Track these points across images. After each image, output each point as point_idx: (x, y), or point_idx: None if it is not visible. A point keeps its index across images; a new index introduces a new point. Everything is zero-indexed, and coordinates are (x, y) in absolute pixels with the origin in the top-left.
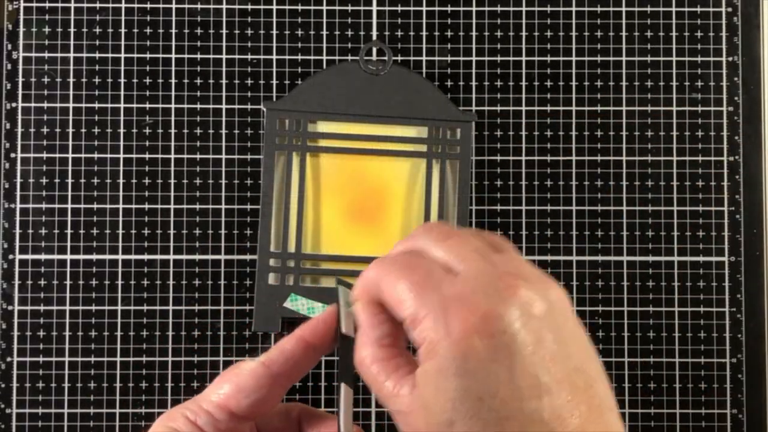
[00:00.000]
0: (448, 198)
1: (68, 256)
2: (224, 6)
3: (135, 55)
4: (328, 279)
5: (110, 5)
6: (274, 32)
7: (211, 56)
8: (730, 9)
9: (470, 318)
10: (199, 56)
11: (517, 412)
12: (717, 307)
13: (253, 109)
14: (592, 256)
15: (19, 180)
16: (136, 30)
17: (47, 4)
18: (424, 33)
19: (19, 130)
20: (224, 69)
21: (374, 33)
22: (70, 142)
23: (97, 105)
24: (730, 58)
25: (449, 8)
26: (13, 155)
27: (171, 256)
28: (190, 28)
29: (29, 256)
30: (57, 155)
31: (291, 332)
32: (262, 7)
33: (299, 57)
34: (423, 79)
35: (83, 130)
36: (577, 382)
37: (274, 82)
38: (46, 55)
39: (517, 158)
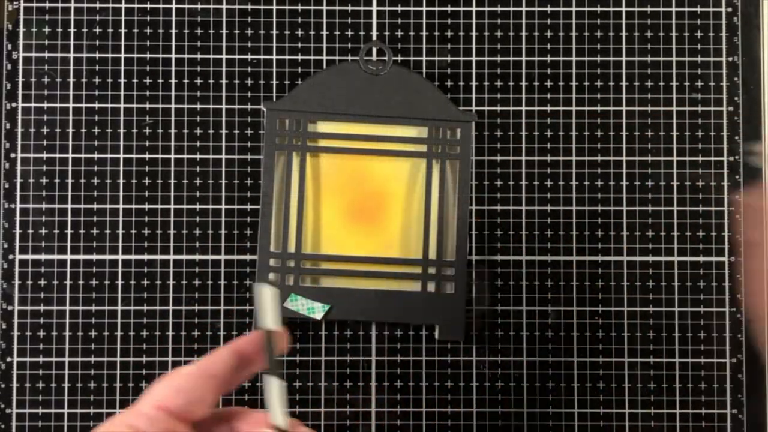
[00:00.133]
0: (448, 198)
1: (68, 256)
2: (224, 6)
3: (135, 55)
4: (328, 279)
5: (110, 5)
6: (274, 32)
7: (211, 56)
8: (730, 9)
9: None
10: (199, 56)
11: None
12: (717, 307)
13: (253, 109)
14: (592, 256)
15: (19, 180)
16: (136, 30)
17: (47, 4)
18: (424, 33)
19: (19, 130)
20: (224, 69)
21: (374, 33)
22: (70, 142)
23: (97, 105)
24: (730, 58)
25: (449, 8)
26: (13, 155)
27: (171, 256)
28: (190, 28)
29: (29, 256)
30: (57, 155)
31: (290, 332)
32: (262, 7)
33: (299, 57)
34: (423, 79)
35: (83, 130)
36: None
37: (274, 82)
38: (46, 55)
39: (517, 158)
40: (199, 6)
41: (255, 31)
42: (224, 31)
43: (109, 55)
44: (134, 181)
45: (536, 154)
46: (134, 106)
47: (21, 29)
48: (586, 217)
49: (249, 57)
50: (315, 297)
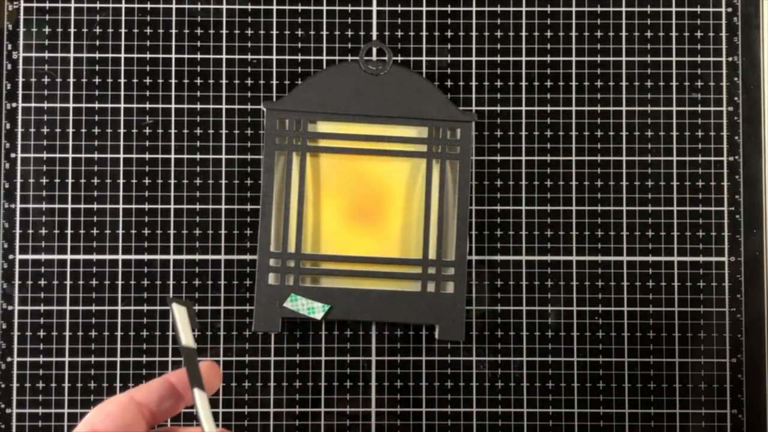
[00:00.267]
0: (448, 198)
1: (68, 256)
2: (224, 6)
3: (135, 55)
4: (328, 279)
5: (110, 5)
6: (274, 32)
7: (211, 56)
8: (730, 9)
9: None
10: (199, 56)
11: None
12: (717, 307)
13: (253, 109)
14: (592, 256)
15: (19, 180)
16: (136, 30)
17: (47, 4)
18: (424, 33)
19: (19, 130)
20: (224, 69)
21: (374, 33)
22: (70, 142)
23: (97, 105)
24: (730, 58)
25: (449, 8)
26: (13, 155)
27: (171, 256)
28: (190, 28)
29: (29, 256)
30: (57, 155)
31: (290, 332)
32: (262, 7)
33: (299, 57)
34: (423, 79)
35: (83, 130)
36: None
37: (274, 82)
38: (46, 55)
39: (517, 158)
40: (199, 6)
41: (255, 31)
42: (224, 31)
43: (109, 55)
44: (134, 181)
45: (536, 154)
46: (134, 106)
47: (21, 29)
48: (586, 217)
49: (249, 57)
50: (315, 297)
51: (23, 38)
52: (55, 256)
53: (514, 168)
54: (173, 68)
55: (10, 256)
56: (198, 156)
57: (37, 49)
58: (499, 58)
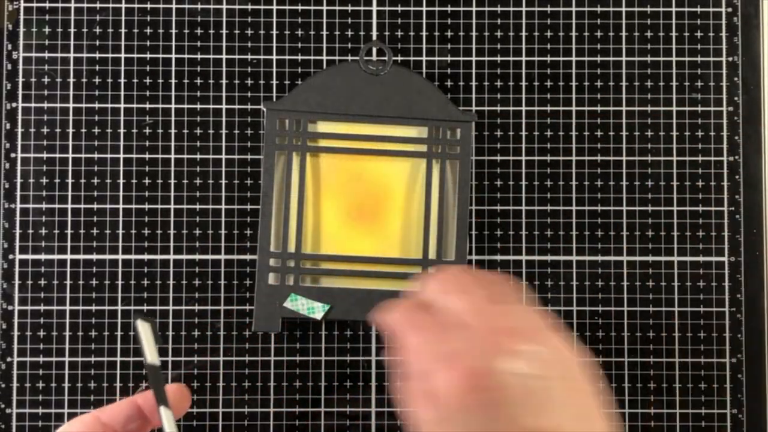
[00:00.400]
0: (448, 198)
1: (68, 256)
2: (224, 6)
3: (135, 55)
4: (328, 279)
5: (110, 5)
6: (274, 32)
7: (211, 56)
8: (730, 9)
9: (462, 376)
10: (199, 56)
11: None
12: (717, 307)
13: (253, 109)
14: (592, 256)
15: (19, 180)
16: (136, 30)
17: (47, 4)
18: (424, 33)
19: (19, 130)
20: (224, 69)
21: (374, 33)
22: (70, 142)
23: (97, 105)
24: (730, 58)
25: (449, 8)
26: (13, 155)
27: (171, 256)
28: (190, 28)
29: (29, 256)
30: (57, 155)
31: (290, 332)
32: (262, 7)
33: (299, 57)
34: (423, 79)
35: (83, 130)
36: (574, 429)
37: (274, 82)
38: (46, 55)
39: (517, 158)
40: (199, 6)
41: (255, 31)
42: (224, 31)
43: (109, 55)
44: (134, 181)
45: (536, 154)
46: (134, 106)
47: (21, 29)
48: (586, 217)
49: (249, 57)
50: (315, 297)
51: (23, 38)
52: (55, 256)
53: (514, 168)
54: (173, 68)
55: (10, 256)
56: (198, 156)
57: (37, 49)
58: (499, 58)
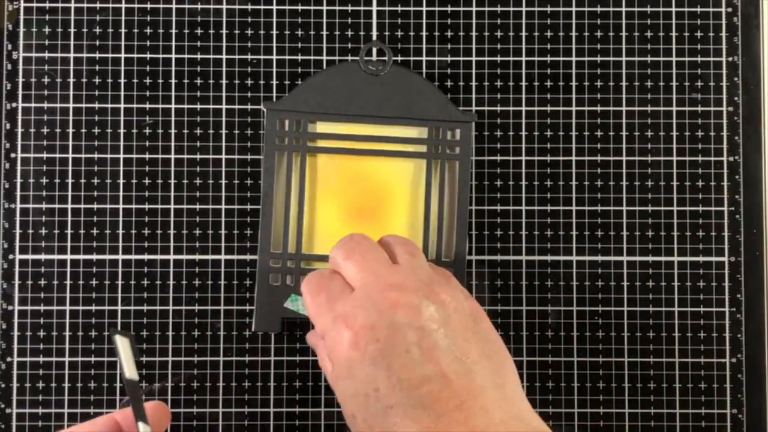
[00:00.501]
0: (448, 198)
1: (68, 256)
2: (224, 6)
3: (135, 55)
4: None
5: (110, 5)
6: (274, 32)
7: (211, 56)
8: (730, 9)
9: (350, 332)
10: (199, 56)
11: (400, 401)
12: (717, 307)
13: (253, 109)
14: (592, 256)
15: (19, 180)
16: (136, 30)
17: (47, 4)
18: (424, 33)
19: (19, 130)
20: (224, 69)
21: (374, 33)
22: (70, 142)
23: (97, 105)
24: (730, 58)
25: (449, 8)
26: (13, 155)
27: (171, 256)
28: (190, 28)
29: (29, 256)
30: (57, 155)
31: (290, 332)
32: (262, 7)
33: (299, 57)
34: (423, 79)
35: (83, 130)
36: (456, 370)
37: (274, 82)
38: (46, 55)
39: (517, 158)
40: (199, 6)
41: (255, 31)
42: (224, 31)
43: (109, 55)
44: (134, 181)
45: (536, 154)
46: (134, 106)
47: (21, 29)
48: (586, 217)
49: (249, 57)
50: None
51: (23, 38)
52: (55, 256)
53: (514, 168)
54: (173, 68)
55: (10, 256)
56: (198, 156)
57: (37, 49)
58: (499, 58)
